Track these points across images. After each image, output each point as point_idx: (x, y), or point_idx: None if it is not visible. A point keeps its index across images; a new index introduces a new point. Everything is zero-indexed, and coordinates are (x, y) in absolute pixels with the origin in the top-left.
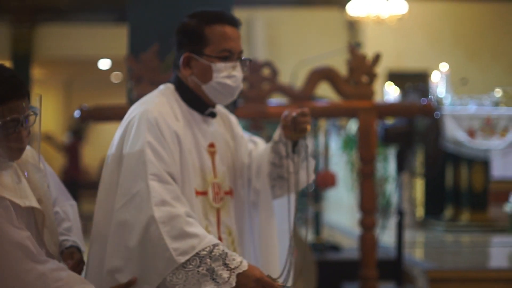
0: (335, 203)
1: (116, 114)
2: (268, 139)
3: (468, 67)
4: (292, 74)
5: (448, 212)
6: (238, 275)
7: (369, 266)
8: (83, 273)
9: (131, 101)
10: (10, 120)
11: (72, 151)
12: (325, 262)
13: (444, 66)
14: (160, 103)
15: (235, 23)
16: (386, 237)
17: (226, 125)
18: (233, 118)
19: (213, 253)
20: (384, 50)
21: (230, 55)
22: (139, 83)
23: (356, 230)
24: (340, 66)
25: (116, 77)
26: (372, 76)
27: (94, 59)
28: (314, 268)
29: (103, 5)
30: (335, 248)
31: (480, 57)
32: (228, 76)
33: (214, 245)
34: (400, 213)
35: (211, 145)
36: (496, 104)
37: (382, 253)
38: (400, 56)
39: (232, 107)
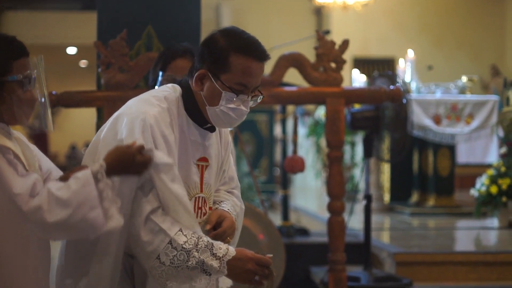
0: (302, 188)
1: (85, 100)
2: (236, 129)
3: (434, 55)
4: None
5: (415, 197)
6: (229, 262)
7: (337, 250)
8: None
9: (100, 87)
10: (24, 77)
11: (40, 138)
12: (294, 245)
13: (410, 53)
14: (161, 110)
15: (263, 58)
16: (354, 221)
17: (220, 135)
18: (227, 130)
19: (199, 246)
20: (350, 37)
21: (244, 89)
22: (108, 69)
23: (323, 214)
24: (308, 54)
25: (84, 64)
26: (340, 62)
27: (62, 46)
28: (283, 252)
29: None
30: (303, 231)
31: (446, 44)
32: (234, 109)
33: (198, 238)
34: (368, 198)
35: (203, 159)
36: (462, 91)
37: (350, 237)
38: (366, 43)
39: None
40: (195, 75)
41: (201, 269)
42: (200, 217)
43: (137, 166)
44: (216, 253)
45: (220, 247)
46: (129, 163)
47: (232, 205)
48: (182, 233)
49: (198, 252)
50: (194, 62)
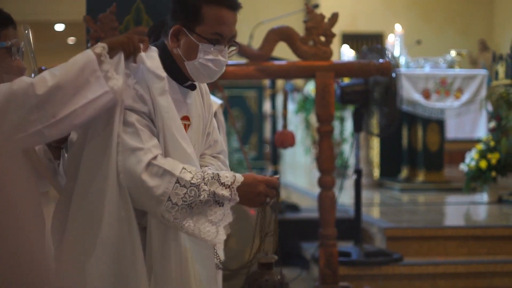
0: (291, 164)
1: None
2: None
3: (422, 29)
4: (249, 37)
5: (404, 172)
6: (239, 189)
7: (328, 225)
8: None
9: None
10: (12, 44)
11: None
12: (284, 221)
13: (398, 28)
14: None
15: (235, 6)
16: (344, 197)
17: (202, 97)
18: (206, 88)
19: (206, 179)
20: (340, 12)
21: (220, 39)
22: None
23: (314, 191)
24: (297, 28)
25: (73, 41)
26: (330, 36)
27: (50, 22)
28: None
29: None
30: (293, 207)
31: (434, 19)
32: (212, 60)
33: (203, 172)
34: (358, 173)
35: (185, 118)
36: (451, 65)
37: (340, 213)
38: (355, 18)
39: None
40: (170, 32)
41: (214, 201)
42: None
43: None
44: (224, 182)
45: (227, 175)
46: (124, 39)
47: (216, 170)
48: (187, 170)
49: (207, 185)
50: (167, 20)
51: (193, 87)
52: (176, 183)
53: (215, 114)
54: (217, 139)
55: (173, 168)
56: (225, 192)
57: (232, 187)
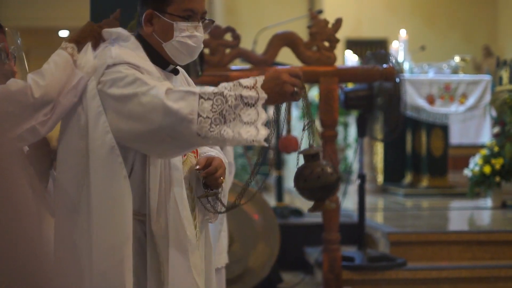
0: (295, 169)
1: None
2: None
3: (426, 35)
4: (253, 42)
5: (408, 178)
6: (263, 86)
7: (331, 230)
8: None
9: None
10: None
11: None
12: (288, 226)
13: (402, 33)
14: (128, 53)
15: None
16: (348, 203)
17: (188, 83)
18: (190, 80)
19: (227, 87)
20: (344, 18)
21: (193, 15)
22: None
23: None
24: (301, 34)
25: None
26: (334, 41)
27: (54, 28)
28: (278, 232)
29: None
30: (297, 212)
31: (438, 25)
32: (189, 36)
33: (221, 85)
34: (361, 178)
35: None
36: (455, 71)
37: (344, 218)
38: (359, 24)
39: (197, 73)
40: (143, 18)
41: (243, 103)
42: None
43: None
44: (247, 85)
45: (246, 80)
46: (87, 28)
47: (217, 154)
48: (205, 88)
49: (230, 90)
50: (138, 12)
51: (176, 72)
52: (200, 98)
53: None
54: (208, 151)
55: (191, 89)
56: (251, 93)
57: (256, 87)
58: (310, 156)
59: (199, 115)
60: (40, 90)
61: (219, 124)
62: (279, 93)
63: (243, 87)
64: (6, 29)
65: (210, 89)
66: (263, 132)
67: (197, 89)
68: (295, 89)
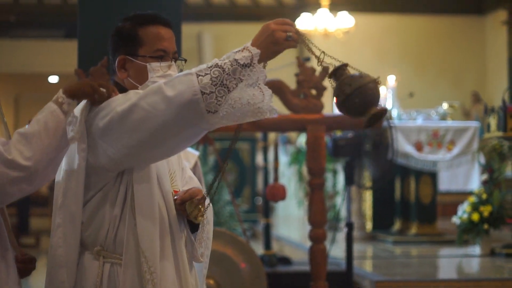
0: (284, 217)
1: None
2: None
3: (415, 82)
4: None
5: (397, 225)
6: (254, 44)
7: (319, 278)
8: None
9: None
10: None
11: None
12: (276, 274)
13: (391, 80)
14: None
15: (167, 24)
16: (336, 250)
17: None
18: None
19: (220, 59)
20: (331, 65)
21: (164, 55)
22: None
23: (306, 243)
24: (288, 80)
25: None
26: (321, 89)
27: (44, 74)
28: (265, 281)
29: (52, 21)
30: (285, 260)
31: (427, 71)
32: (164, 76)
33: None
34: (349, 226)
35: None
36: (443, 117)
37: (332, 266)
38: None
39: None
40: (116, 64)
41: (240, 65)
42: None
43: (95, 94)
44: (238, 50)
45: (236, 49)
46: (89, 90)
47: (195, 186)
48: (197, 68)
49: (224, 60)
50: (110, 60)
51: None
52: (198, 76)
53: (195, 166)
54: (191, 175)
55: (187, 71)
56: (244, 53)
57: (247, 46)
58: (340, 70)
59: (202, 93)
60: (24, 162)
61: (224, 95)
62: (273, 42)
63: (235, 53)
64: None
65: (203, 65)
66: (268, 92)
67: (193, 69)
68: (288, 34)
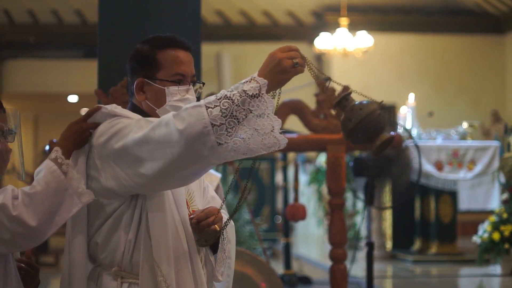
0: (304, 236)
1: None
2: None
3: (434, 101)
4: None
5: (417, 244)
6: (261, 74)
7: None
8: None
9: None
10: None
11: None
12: None
13: (410, 99)
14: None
15: (186, 47)
16: (357, 269)
17: None
18: None
19: (227, 90)
20: (351, 84)
21: (183, 78)
22: None
23: (326, 263)
24: (308, 99)
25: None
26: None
27: (63, 94)
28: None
29: (71, 41)
30: (305, 280)
31: (446, 91)
32: (182, 100)
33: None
34: (370, 245)
35: None
36: (463, 137)
37: (352, 285)
38: (367, 90)
39: None
40: (134, 87)
41: (249, 96)
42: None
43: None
44: (245, 81)
45: (241, 81)
46: (82, 136)
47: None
48: (205, 99)
49: (232, 91)
50: (128, 81)
51: None
52: (207, 109)
53: (217, 188)
54: (214, 195)
55: (195, 103)
56: (252, 84)
57: (254, 77)
58: (343, 100)
59: (213, 125)
60: (30, 222)
61: (234, 126)
62: (280, 71)
63: (242, 84)
64: (7, 108)
65: (212, 97)
66: (277, 123)
67: (201, 101)
68: (294, 60)
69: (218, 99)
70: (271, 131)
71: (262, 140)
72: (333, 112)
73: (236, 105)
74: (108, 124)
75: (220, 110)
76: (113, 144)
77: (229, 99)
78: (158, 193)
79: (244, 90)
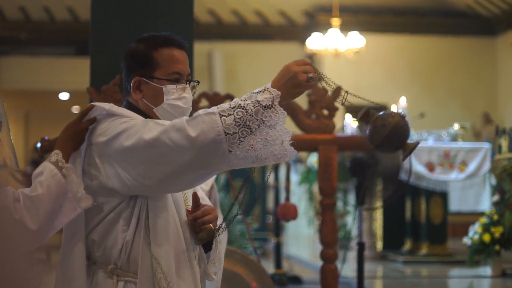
0: (295, 235)
1: None
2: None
3: (426, 102)
4: None
5: (407, 245)
6: (275, 85)
7: None
8: None
9: None
10: None
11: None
12: None
13: (402, 101)
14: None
15: (182, 46)
16: (347, 270)
17: None
18: None
19: (241, 98)
20: (343, 84)
21: (179, 77)
22: None
23: (316, 262)
24: (300, 99)
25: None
26: (333, 109)
27: (55, 91)
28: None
29: (63, 38)
30: (296, 279)
31: (437, 92)
32: (179, 98)
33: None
34: (361, 246)
35: None
36: (454, 138)
37: (343, 285)
38: (358, 90)
39: None
40: (131, 86)
41: (262, 107)
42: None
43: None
44: (259, 91)
45: (254, 90)
46: (80, 136)
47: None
48: (219, 106)
49: (246, 101)
50: (124, 80)
51: None
52: (220, 117)
53: (212, 188)
54: (203, 196)
55: (207, 110)
56: (266, 95)
57: (268, 88)
58: (365, 116)
59: (226, 133)
60: (31, 225)
61: (247, 135)
62: (295, 85)
63: (256, 94)
64: None
65: (226, 105)
66: (287, 135)
67: (215, 108)
68: (309, 75)
69: (232, 108)
70: (282, 143)
71: (272, 151)
72: (325, 112)
73: (250, 115)
74: (111, 123)
75: (234, 119)
76: (117, 144)
77: (243, 109)
78: (158, 195)
79: (258, 101)
